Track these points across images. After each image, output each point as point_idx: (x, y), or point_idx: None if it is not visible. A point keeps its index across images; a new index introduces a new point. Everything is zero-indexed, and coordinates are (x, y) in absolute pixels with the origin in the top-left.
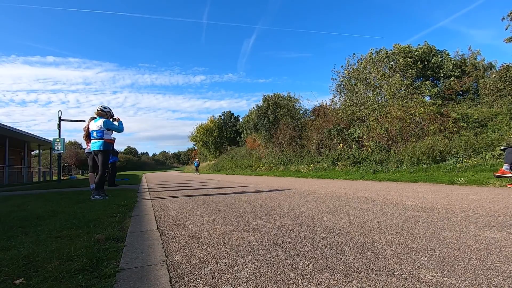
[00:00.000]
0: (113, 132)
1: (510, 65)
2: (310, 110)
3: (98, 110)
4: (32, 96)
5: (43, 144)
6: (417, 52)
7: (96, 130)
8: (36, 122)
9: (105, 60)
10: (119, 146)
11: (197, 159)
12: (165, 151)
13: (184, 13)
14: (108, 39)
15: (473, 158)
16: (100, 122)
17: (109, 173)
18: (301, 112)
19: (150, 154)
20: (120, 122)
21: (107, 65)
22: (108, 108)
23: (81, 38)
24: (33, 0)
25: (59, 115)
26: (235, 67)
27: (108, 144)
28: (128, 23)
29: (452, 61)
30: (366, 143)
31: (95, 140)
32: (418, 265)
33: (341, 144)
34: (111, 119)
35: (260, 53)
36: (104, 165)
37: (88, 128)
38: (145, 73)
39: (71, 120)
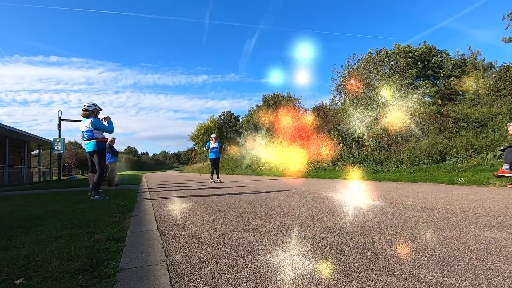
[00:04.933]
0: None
1: (510, 65)
2: (310, 110)
3: (82, 111)
4: (34, 96)
5: (43, 144)
6: (417, 52)
7: (85, 131)
8: (37, 122)
9: (108, 60)
10: (120, 146)
11: (213, 140)
12: (165, 151)
13: (187, 13)
14: (111, 39)
15: (473, 158)
16: (87, 122)
17: (108, 172)
18: (301, 112)
19: (150, 154)
20: (109, 122)
21: (110, 65)
22: (93, 105)
23: (84, 37)
24: (36, 0)
25: (59, 115)
26: (238, 67)
27: (101, 143)
28: (132, 23)
29: (452, 61)
30: (366, 143)
31: (87, 141)
32: (418, 265)
33: (341, 144)
34: (101, 118)
35: (262, 53)
36: (102, 165)
37: None
38: (147, 73)
39: (71, 120)
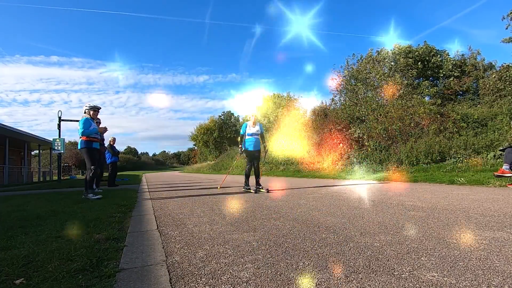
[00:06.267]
0: (95, 127)
1: (510, 65)
2: (310, 110)
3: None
4: (35, 96)
5: (43, 144)
6: (417, 52)
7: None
8: (38, 122)
9: (109, 60)
10: (120, 146)
11: (253, 121)
12: (165, 151)
13: (187, 13)
14: (112, 39)
15: (473, 158)
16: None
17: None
18: (301, 112)
19: (150, 154)
20: (91, 130)
21: (111, 65)
22: (84, 106)
23: (85, 38)
24: (38, 0)
25: (59, 115)
26: (238, 66)
27: (86, 142)
28: (132, 23)
29: (452, 61)
30: (366, 143)
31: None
32: (418, 265)
33: (341, 144)
34: (103, 127)
35: (263, 53)
36: (91, 163)
37: None
38: (148, 72)
39: (71, 120)
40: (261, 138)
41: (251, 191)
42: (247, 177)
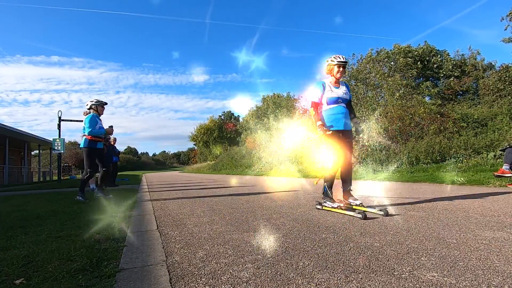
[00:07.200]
0: (103, 128)
1: (509, 65)
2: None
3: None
4: (35, 96)
5: (43, 144)
6: (417, 52)
7: (83, 127)
8: (38, 122)
9: (110, 60)
10: (120, 146)
11: (338, 73)
12: (165, 151)
13: (187, 13)
14: (112, 39)
15: (473, 158)
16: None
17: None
18: (301, 112)
19: (150, 154)
20: (98, 130)
21: (111, 65)
22: (90, 102)
23: (85, 38)
24: (39, 0)
25: (59, 115)
26: (239, 66)
27: (89, 141)
28: (132, 23)
29: (452, 61)
30: (366, 143)
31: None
32: (418, 265)
33: None
34: (108, 127)
35: (263, 53)
36: (89, 166)
37: None
38: (149, 73)
39: (71, 120)
40: (350, 108)
41: (345, 211)
42: (330, 184)
